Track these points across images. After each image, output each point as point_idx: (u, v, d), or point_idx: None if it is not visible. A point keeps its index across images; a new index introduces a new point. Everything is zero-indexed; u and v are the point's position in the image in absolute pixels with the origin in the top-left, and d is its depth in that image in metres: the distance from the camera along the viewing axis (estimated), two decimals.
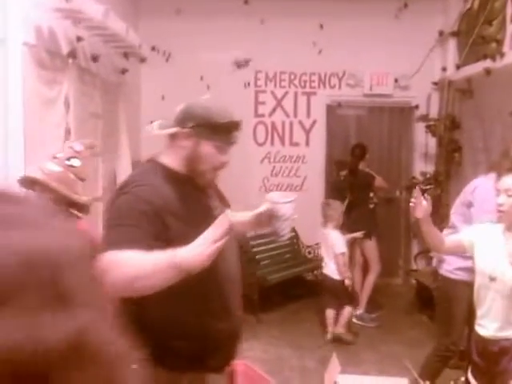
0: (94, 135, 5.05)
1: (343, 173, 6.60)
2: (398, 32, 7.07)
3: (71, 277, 0.53)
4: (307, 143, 7.59)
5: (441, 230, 3.61)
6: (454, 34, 6.91)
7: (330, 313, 5.61)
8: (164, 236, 2.03)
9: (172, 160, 2.26)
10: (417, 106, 7.39)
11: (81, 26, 4.54)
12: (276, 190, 6.88)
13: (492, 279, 2.94)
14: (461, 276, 3.73)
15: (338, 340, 5.47)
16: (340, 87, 7.51)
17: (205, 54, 7.11)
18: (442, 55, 7.24)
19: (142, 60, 6.28)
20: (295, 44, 7.20)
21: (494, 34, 5.89)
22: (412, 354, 4.51)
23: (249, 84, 7.39)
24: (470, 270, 3.20)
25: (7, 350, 0.46)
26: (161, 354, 1.99)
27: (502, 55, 5.57)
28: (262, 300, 5.95)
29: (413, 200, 2.95)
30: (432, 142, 7.27)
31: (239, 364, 2.37)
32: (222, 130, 2.20)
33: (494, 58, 5.70)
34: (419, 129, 7.37)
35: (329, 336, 5.53)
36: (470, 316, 3.36)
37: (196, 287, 1.98)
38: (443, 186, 6.89)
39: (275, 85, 7.52)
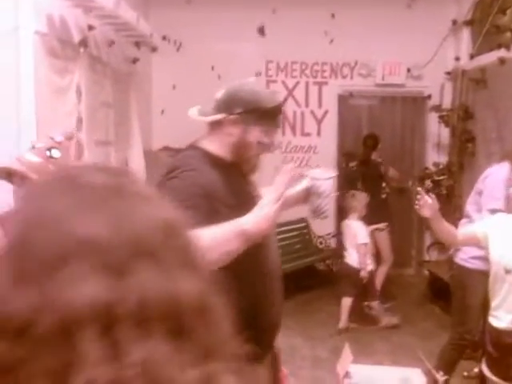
0: (106, 124, 5.05)
1: (353, 164, 6.57)
2: (410, 21, 7.00)
3: (193, 243, 0.68)
4: (319, 133, 7.55)
5: (454, 221, 3.58)
6: (468, 23, 6.83)
7: (346, 301, 5.61)
8: (213, 221, 1.92)
9: (217, 147, 2.17)
10: (429, 96, 7.32)
11: (92, 14, 4.53)
12: None
13: (508, 271, 2.90)
14: (476, 265, 3.70)
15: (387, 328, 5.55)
16: (352, 77, 7.46)
17: (216, 44, 7.07)
18: (456, 44, 7.16)
19: (153, 49, 6.27)
20: (307, 33, 7.14)
21: (508, 23, 5.82)
22: (424, 345, 4.50)
23: (260, 74, 7.35)
24: (486, 259, 3.17)
25: (146, 298, 0.58)
26: None
27: None
28: None
29: (417, 202, 2.91)
30: (445, 132, 7.21)
31: None
32: (270, 115, 2.15)
33: (508, 48, 5.64)
34: (432, 119, 7.31)
35: (341, 325, 5.52)
36: (485, 306, 3.33)
37: (243, 276, 1.92)
38: (456, 177, 6.84)
39: (286, 75, 7.49)
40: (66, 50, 4.16)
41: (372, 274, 5.73)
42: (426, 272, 6.97)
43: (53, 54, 3.95)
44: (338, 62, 7.43)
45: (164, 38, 6.98)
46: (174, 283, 0.61)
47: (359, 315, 5.69)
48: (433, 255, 7.30)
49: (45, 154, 2.41)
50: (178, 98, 7.08)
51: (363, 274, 5.56)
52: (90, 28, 4.49)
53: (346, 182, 6.53)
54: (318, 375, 4.38)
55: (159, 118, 7.28)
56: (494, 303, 3.02)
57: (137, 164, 5.70)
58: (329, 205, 2.28)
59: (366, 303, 5.82)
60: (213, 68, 7.07)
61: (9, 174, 2.38)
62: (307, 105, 7.52)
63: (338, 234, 7.22)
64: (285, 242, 6.79)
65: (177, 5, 7.01)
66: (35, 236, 0.60)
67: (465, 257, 3.84)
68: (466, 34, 6.95)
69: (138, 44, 5.75)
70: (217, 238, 1.83)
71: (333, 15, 7.15)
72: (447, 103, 7.16)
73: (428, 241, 7.43)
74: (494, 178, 3.72)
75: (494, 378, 2.95)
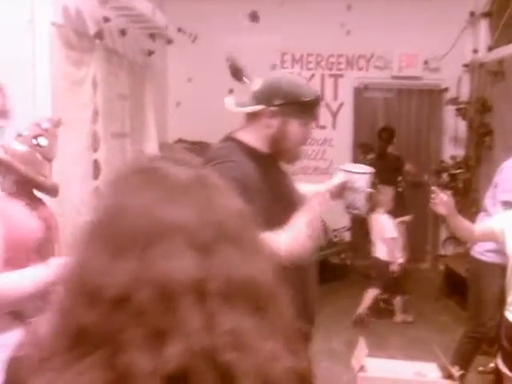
0: (121, 116, 5.05)
1: (370, 156, 6.51)
2: (427, 13, 6.93)
3: (258, 233, 0.77)
4: (334, 126, 7.52)
5: (471, 216, 3.54)
6: (486, 14, 6.75)
7: (372, 292, 5.58)
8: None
9: (254, 139, 2.15)
10: (446, 89, 7.26)
11: (107, 6, 4.52)
12: (302, 174, 6.83)
13: None
14: (492, 258, 3.66)
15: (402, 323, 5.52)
16: (368, 69, 7.41)
17: (231, 36, 7.05)
18: (473, 37, 7.08)
19: (169, 41, 6.26)
20: (322, 25, 7.10)
21: None
22: (440, 340, 4.47)
23: (275, 66, 7.32)
24: (502, 253, 3.13)
25: (231, 277, 0.66)
26: None
27: None
28: None
29: (432, 200, 2.87)
30: (462, 125, 7.15)
31: None
32: (308, 107, 2.14)
33: None
34: (449, 112, 7.24)
35: (359, 311, 5.49)
36: (501, 301, 3.30)
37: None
38: (473, 171, 6.78)
39: (302, 67, 7.44)
40: (81, 42, 4.16)
41: (402, 267, 5.69)
42: (442, 266, 6.92)
43: (69, 45, 3.95)
44: (353, 54, 7.38)
45: (179, 29, 6.98)
46: (251, 267, 0.69)
47: (375, 309, 5.67)
48: (448, 249, 7.25)
49: (31, 142, 2.32)
50: (193, 90, 7.09)
51: (393, 267, 5.53)
52: (106, 20, 4.49)
53: None
54: (332, 368, 4.37)
55: (174, 111, 7.28)
56: (510, 297, 2.99)
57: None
58: (363, 200, 2.26)
59: (384, 296, 5.78)
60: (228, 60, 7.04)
61: None
62: (322, 97, 7.47)
63: (353, 227, 7.21)
64: None
65: None
66: (128, 219, 0.68)
67: (480, 250, 3.80)
68: (483, 25, 6.87)
69: (153, 36, 5.74)
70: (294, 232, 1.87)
71: (349, 7, 7.10)
72: (464, 96, 7.10)
73: (443, 235, 7.38)
74: (508, 170, 3.68)
75: (509, 373, 2.92)
